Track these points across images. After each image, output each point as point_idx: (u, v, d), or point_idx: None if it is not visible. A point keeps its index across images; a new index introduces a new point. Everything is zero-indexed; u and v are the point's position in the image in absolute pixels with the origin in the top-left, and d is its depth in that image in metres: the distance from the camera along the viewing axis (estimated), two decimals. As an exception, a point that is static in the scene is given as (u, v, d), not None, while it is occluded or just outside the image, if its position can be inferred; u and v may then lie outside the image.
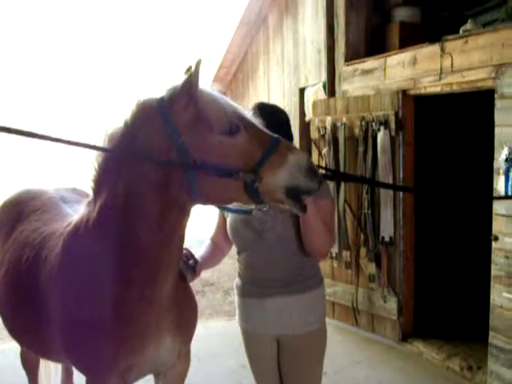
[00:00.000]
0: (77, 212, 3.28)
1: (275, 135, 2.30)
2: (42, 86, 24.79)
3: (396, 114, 5.58)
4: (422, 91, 5.45)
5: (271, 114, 2.95)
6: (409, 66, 5.53)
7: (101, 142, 2.46)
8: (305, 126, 8.59)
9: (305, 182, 2.21)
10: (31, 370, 4.23)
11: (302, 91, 8.71)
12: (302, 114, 8.58)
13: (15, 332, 3.31)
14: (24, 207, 3.50)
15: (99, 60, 27.40)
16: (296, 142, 8.68)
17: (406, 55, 5.59)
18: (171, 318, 2.63)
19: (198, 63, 2.20)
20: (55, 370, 4.42)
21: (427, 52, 5.28)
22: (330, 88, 6.88)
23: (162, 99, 2.30)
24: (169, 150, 2.25)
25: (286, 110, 9.42)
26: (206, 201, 2.36)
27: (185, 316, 2.77)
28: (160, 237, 2.39)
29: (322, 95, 7.63)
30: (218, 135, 2.22)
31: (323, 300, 3.17)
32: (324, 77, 7.75)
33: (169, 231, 2.40)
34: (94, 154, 2.48)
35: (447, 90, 5.18)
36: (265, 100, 9.93)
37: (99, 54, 28.25)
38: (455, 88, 5.09)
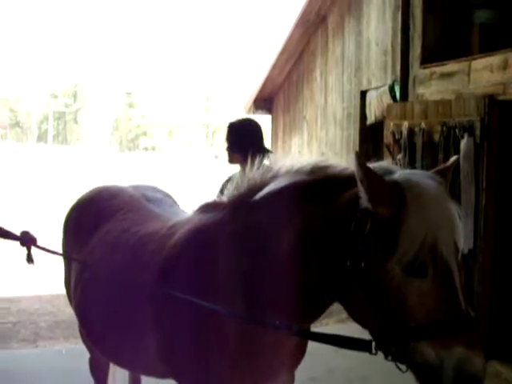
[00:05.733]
0: (168, 212, 3.11)
1: (472, 316, 1.77)
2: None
3: (482, 121, 5.30)
4: (514, 97, 5.17)
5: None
6: (498, 71, 5.24)
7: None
8: (366, 130, 8.36)
9: None
10: (101, 378, 4.01)
11: (363, 94, 8.48)
12: (363, 117, 8.35)
13: (96, 338, 3.12)
14: (105, 206, 3.32)
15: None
16: (356, 146, 8.45)
17: (494, 59, 5.30)
18: (292, 352, 2.37)
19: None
20: (124, 378, 4.24)
21: (521, 56, 5.00)
22: (403, 91, 6.61)
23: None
24: (347, 231, 1.89)
25: (345, 112, 9.19)
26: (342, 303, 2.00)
27: (301, 346, 2.46)
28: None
29: (387, 98, 7.39)
30: (395, 263, 1.77)
31: None
32: (390, 79, 7.51)
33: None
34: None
35: (542, 96, 4.90)
36: (322, 102, 9.73)
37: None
38: (552, 94, 4.80)
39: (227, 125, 4.37)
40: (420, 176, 1.90)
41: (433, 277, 1.75)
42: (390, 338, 1.79)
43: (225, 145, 4.39)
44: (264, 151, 3.94)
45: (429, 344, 1.72)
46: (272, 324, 2.07)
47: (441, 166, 2.10)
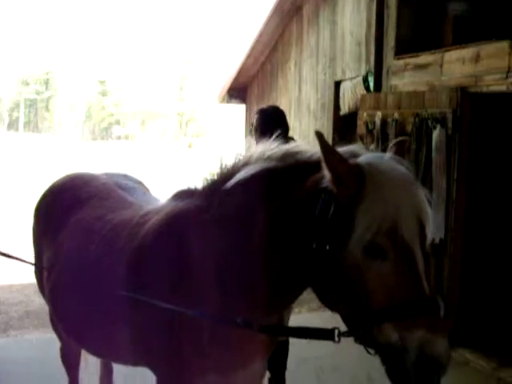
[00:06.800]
0: (141, 200, 3.08)
1: (435, 300, 1.72)
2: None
3: (454, 112, 5.35)
4: (484, 89, 5.22)
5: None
6: (470, 63, 5.29)
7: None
8: (339, 120, 8.38)
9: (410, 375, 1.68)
10: (72, 366, 3.97)
11: (337, 84, 8.49)
12: (337, 107, 8.37)
13: (68, 325, 3.07)
14: (78, 193, 3.24)
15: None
16: (329, 136, 8.46)
17: (467, 51, 5.35)
18: (263, 341, 2.33)
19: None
20: (95, 366, 4.22)
21: (493, 49, 5.05)
22: (377, 82, 6.64)
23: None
24: (314, 213, 1.86)
25: (319, 103, 9.23)
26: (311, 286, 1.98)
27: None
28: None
29: (361, 89, 7.41)
30: (355, 245, 1.74)
31: None
32: (364, 70, 7.54)
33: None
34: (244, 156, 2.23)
35: (514, 88, 4.95)
36: (296, 92, 9.72)
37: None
38: (524, 87, 4.86)
39: (257, 111, 4.46)
40: (384, 159, 1.85)
41: (393, 260, 1.71)
42: (354, 321, 1.78)
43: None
44: (289, 139, 3.99)
45: (392, 326, 1.69)
46: (234, 322, 2.04)
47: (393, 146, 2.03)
